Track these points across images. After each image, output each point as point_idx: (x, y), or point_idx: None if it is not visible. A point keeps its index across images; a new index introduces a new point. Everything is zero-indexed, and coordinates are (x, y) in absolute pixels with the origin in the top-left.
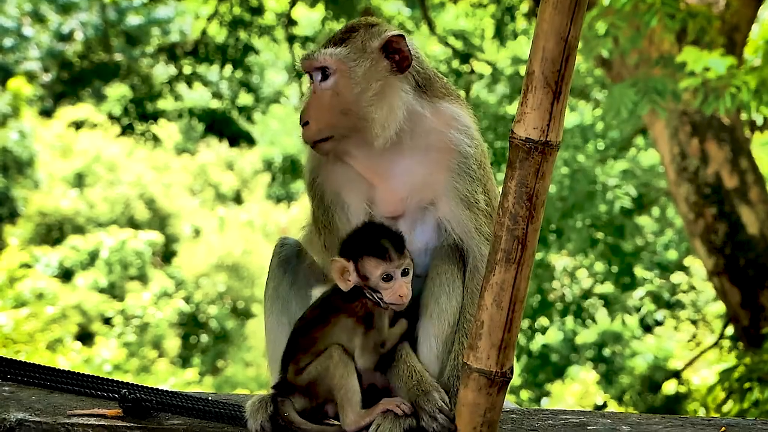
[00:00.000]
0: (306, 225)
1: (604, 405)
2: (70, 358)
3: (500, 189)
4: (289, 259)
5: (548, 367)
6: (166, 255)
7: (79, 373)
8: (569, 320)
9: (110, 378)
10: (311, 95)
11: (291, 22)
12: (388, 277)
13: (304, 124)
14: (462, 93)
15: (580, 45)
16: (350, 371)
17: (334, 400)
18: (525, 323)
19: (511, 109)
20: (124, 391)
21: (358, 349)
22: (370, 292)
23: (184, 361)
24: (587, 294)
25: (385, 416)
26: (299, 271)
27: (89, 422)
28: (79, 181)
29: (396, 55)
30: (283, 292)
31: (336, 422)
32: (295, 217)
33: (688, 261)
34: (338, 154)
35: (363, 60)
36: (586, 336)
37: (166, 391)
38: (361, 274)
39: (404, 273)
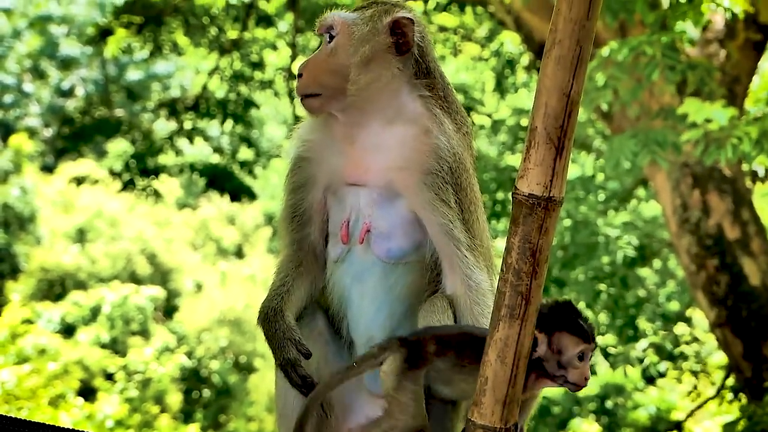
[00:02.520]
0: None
1: None
2: (73, 414)
3: (504, 243)
4: (304, 314)
5: (547, 418)
6: (168, 310)
7: (81, 431)
8: None
9: None
10: (316, 53)
11: (292, 76)
12: (581, 357)
13: (299, 75)
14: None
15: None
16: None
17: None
18: None
19: (512, 159)
20: None
21: None
22: (553, 368)
23: (186, 416)
24: None
25: None
26: (314, 326)
27: None
28: (81, 236)
29: (401, 37)
30: None
31: None
32: None
33: (690, 312)
34: (323, 116)
35: (366, 29)
36: (588, 388)
37: None
38: (554, 348)
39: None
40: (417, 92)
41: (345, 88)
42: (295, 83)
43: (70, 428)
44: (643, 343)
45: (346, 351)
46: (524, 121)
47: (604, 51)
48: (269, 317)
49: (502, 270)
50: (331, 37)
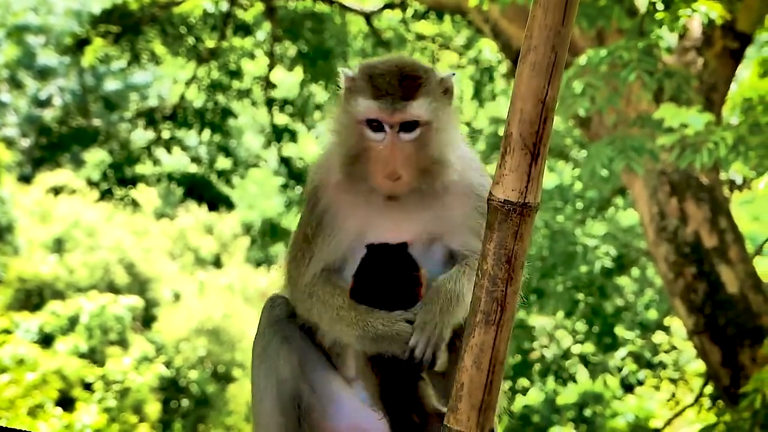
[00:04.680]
0: (286, 258)
1: None
2: (51, 424)
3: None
4: (280, 319)
5: (530, 428)
6: (147, 320)
7: None
8: (550, 381)
9: None
10: (391, 147)
11: (270, 85)
12: None
13: (397, 179)
14: None
15: (557, 104)
16: None
17: None
18: (506, 384)
19: (490, 168)
20: None
21: None
22: None
23: (165, 425)
24: (567, 354)
25: None
26: (290, 330)
27: None
28: (59, 246)
29: (450, 93)
30: (273, 352)
31: None
32: (275, 281)
33: (668, 321)
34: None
35: (442, 107)
36: (567, 396)
37: None
38: None
39: None
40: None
41: (440, 171)
42: (271, 92)
43: None
44: (621, 352)
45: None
46: (501, 130)
47: (582, 60)
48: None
49: (477, 276)
50: (411, 128)
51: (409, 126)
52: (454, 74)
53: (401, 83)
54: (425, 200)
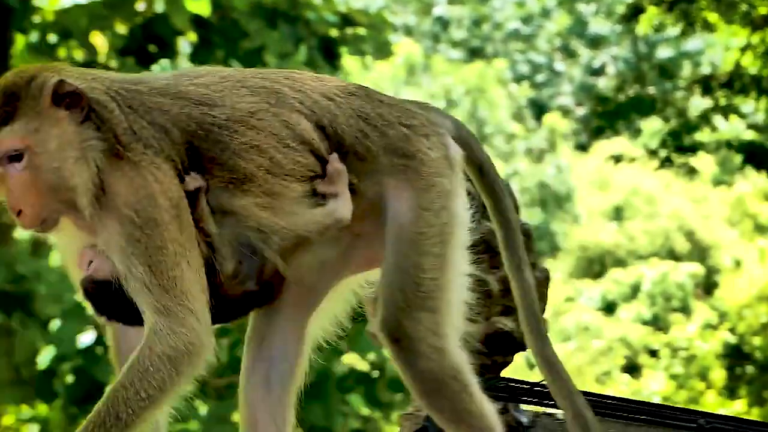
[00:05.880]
0: None
1: None
2: (619, 391)
3: None
4: None
5: None
6: (708, 286)
7: (652, 403)
8: None
9: (686, 408)
10: (2, 181)
11: None
12: None
13: (18, 213)
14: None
15: None
16: None
17: None
18: None
19: None
20: (701, 420)
21: None
22: None
23: (730, 392)
24: None
25: None
26: None
27: None
28: (618, 214)
29: (67, 98)
30: None
31: None
32: None
33: None
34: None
35: (45, 126)
36: None
37: (749, 420)
38: None
39: None
40: (113, 160)
41: (68, 197)
42: None
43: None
44: None
45: None
46: None
47: None
48: None
49: None
50: (14, 158)
51: (16, 156)
52: (63, 81)
53: None
54: (81, 229)
